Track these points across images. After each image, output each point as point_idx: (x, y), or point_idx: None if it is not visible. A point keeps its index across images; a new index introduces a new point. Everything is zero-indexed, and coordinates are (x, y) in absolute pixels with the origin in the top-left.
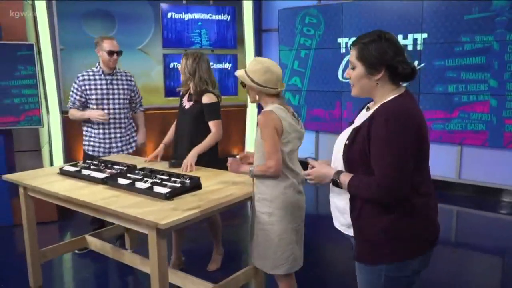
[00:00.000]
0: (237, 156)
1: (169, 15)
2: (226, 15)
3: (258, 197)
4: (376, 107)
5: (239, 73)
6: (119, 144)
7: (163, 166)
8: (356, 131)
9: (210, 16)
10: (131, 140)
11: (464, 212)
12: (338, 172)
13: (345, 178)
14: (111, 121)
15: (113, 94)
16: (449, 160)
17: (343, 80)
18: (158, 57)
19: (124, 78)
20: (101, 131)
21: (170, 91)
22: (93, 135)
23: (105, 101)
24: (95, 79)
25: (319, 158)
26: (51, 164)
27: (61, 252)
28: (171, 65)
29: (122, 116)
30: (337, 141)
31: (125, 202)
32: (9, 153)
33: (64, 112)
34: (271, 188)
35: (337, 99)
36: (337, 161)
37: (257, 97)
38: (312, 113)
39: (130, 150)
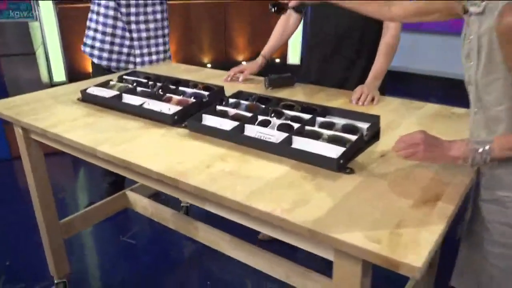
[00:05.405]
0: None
1: None
2: None
3: (498, 196)
4: None
5: None
6: (145, 50)
7: (257, 87)
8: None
9: None
10: (162, 46)
11: None
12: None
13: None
14: (132, 18)
15: None
16: None
17: None
18: None
19: None
20: (117, 29)
21: None
22: (100, 33)
23: None
24: None
25: None
26: (49, 72)
27: (93, 221)
28: None
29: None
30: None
31: (256, 181)
32: None
33: (58, 2)
34: None
35: None
36: None
37: None
38: None
39: (162, 56)
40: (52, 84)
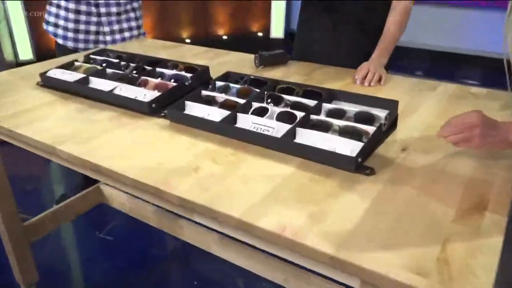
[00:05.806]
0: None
1: None
2: None
3: None
4: None
5: None
6: (115, 27)
7: (245, 66)
8: None
9: None
10: (134, 21)
11: None
12: None
13: None
14: None
15: None
16: None
17: None
18: None
19: None
20: (82, 4)
21: None
22: (63, 9)
23: None
24: None
25: None
26: (14, 49)
27: (62, 221)
28: None
29: None
30: None
31: (256, 187)
32: None
33: None
34: None
35: None
36: None
37: None
38: None
39: (135, 33)
40: (17, 63)
